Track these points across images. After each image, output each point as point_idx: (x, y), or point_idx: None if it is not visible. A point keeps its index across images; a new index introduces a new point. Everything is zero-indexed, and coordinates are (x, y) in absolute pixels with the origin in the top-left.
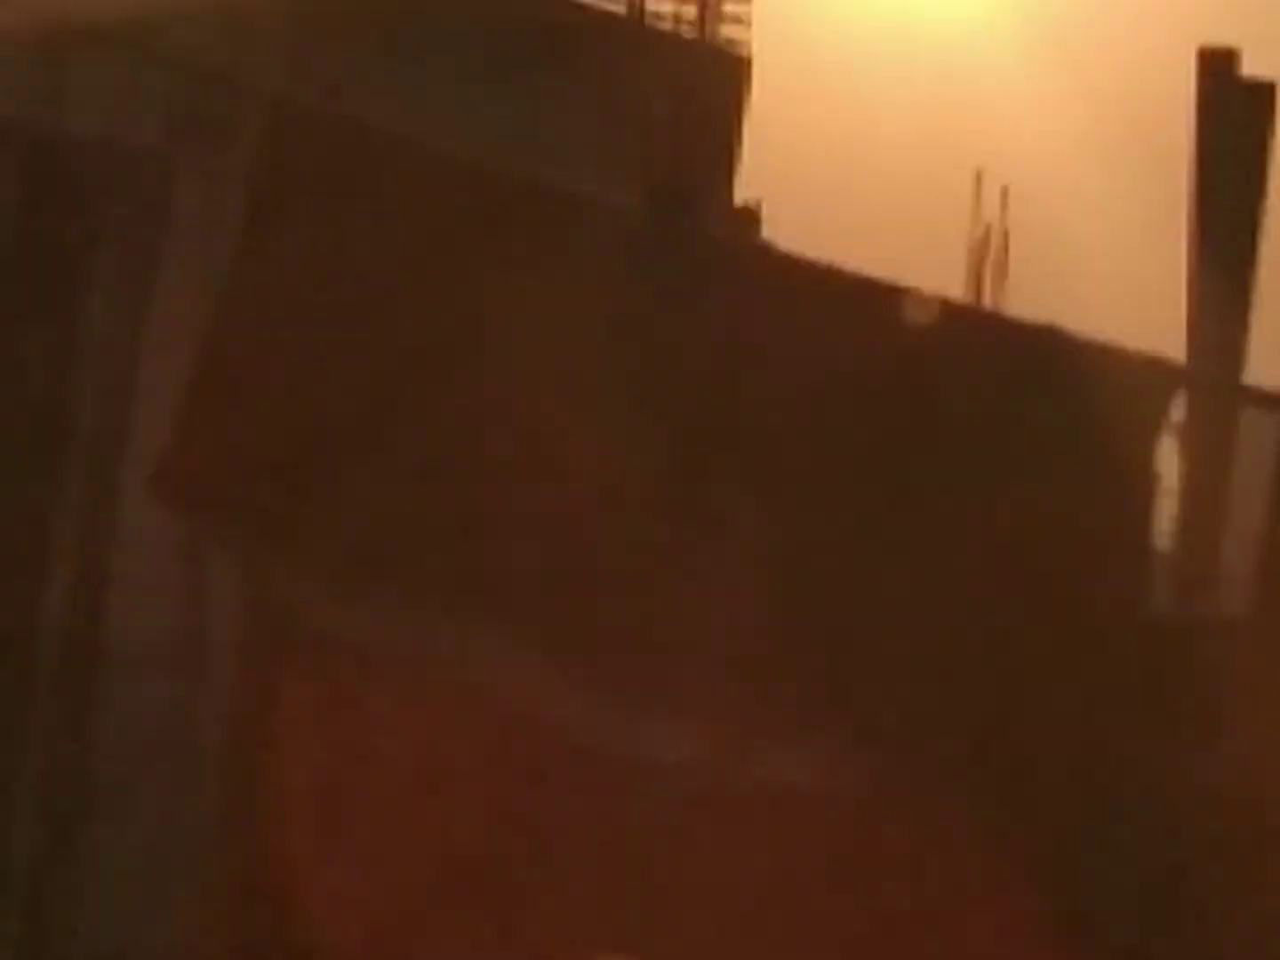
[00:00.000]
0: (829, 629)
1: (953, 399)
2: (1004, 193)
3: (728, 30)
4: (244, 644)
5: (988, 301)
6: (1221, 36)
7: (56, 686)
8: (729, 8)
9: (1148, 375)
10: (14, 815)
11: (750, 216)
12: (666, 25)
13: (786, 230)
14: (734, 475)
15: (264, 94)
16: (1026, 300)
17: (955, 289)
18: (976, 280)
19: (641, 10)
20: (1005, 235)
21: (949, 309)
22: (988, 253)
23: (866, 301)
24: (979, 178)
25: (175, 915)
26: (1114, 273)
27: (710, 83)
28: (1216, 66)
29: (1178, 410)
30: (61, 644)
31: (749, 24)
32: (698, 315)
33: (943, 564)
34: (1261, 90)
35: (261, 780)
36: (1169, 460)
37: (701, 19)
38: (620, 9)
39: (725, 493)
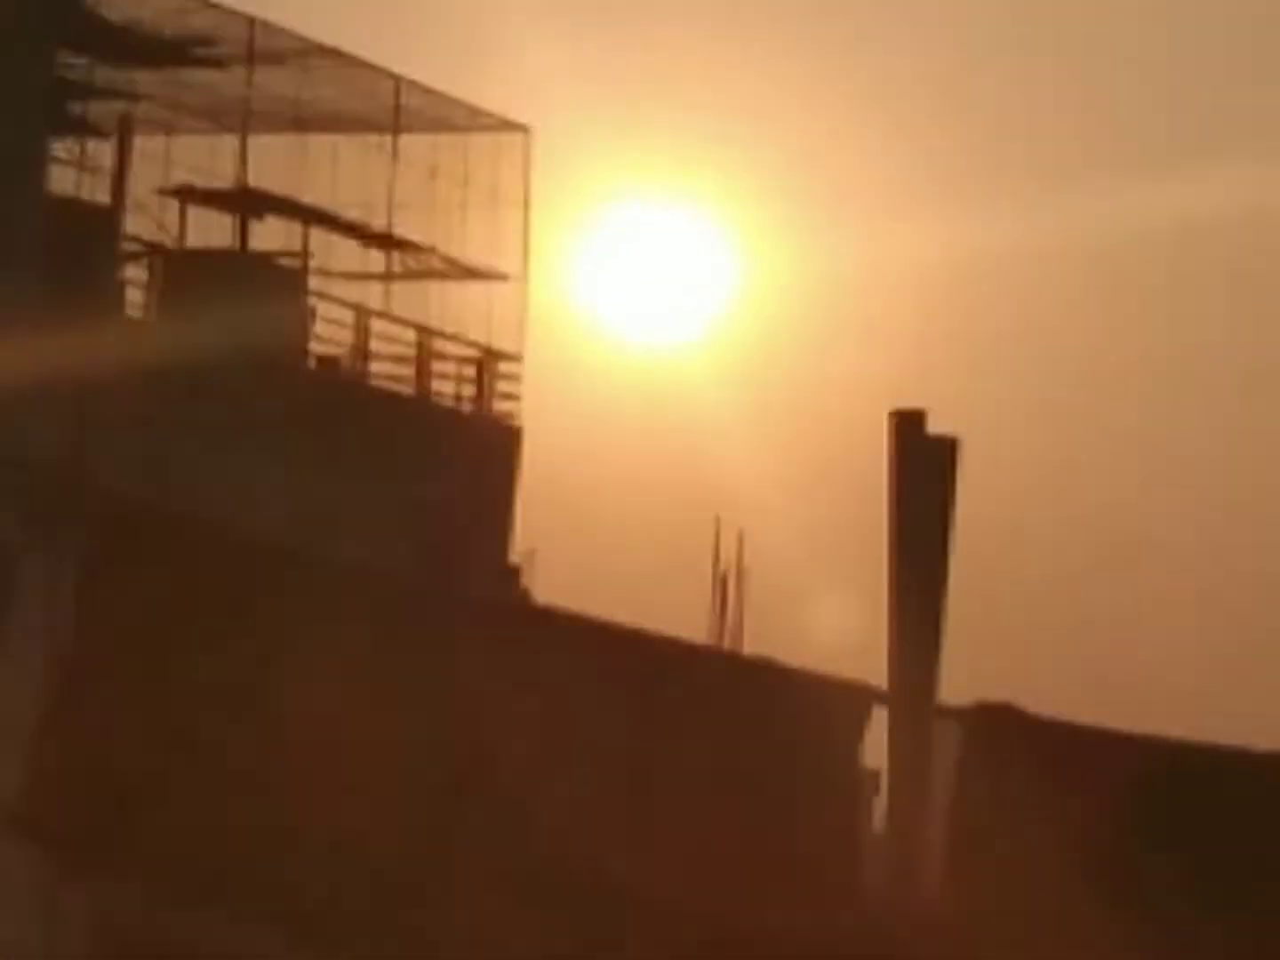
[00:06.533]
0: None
1: (690, 721)
2: (739, 536)
3: (501, 404)
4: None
5: (731, 625)
6: (904, 401)
7: None
8: (502, 385)
9: (850, 694)
10: None
11: (514, 572)
12: (447, 402)
13: (562, 571)
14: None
15: (96, 488)
16: (762, 624)
17: (705, 614)
18: (722, 609)
19: (427, 392)
20: (741, 570)
21: (682, 647)
22: (728, 587)
23: (601, 643)
24: (718, 523)
25: None
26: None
27: (486, 451)
28: (907, 425)
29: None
30: None
31: (519, 398)
32: (458, 661)
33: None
34: (946, 443)
35: None
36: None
37: (479, 396)
38: (409, 390)
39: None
